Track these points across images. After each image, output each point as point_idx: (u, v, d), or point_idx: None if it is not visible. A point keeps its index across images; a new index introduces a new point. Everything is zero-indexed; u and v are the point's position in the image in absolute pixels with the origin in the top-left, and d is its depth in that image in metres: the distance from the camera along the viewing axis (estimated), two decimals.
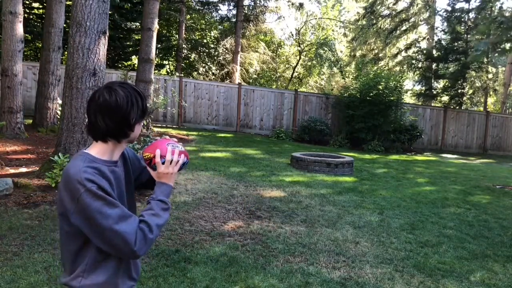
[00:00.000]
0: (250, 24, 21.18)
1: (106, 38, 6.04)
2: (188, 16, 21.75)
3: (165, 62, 22.45)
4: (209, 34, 23.51)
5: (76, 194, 1.35)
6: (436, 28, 22.92)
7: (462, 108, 20.03)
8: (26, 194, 5.07)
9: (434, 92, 21.57)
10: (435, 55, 20.37)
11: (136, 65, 14.97)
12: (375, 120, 14.35)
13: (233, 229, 4.86)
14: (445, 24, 20.77)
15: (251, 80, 23.20)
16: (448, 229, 5.50)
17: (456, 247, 4.82)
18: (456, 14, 19.52)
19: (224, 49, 21.16)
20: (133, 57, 20.24)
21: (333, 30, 26.94)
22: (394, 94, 14.57)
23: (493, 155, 17.04)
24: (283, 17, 27.64)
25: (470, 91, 21.40)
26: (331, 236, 4.90)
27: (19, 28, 8.64)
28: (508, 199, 7.61)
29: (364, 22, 23.25)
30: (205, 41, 22.57)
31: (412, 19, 22.07)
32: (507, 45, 7.82)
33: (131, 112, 1.49)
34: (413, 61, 21.57)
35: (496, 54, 16.17)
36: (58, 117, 9.32)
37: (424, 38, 23.16)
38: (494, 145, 17.86)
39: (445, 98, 21.32)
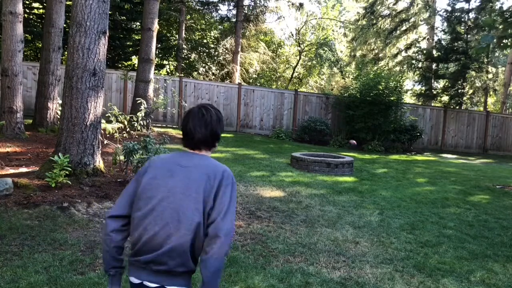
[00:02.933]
0: (250, 24, 21.15)
1: (106, 38, 6.04)
2: (188, 16, 21.74)
3: (165, 62, 22.44)
4: (209, 34, 23.50)
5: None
6: (436, 28, 22.91)
7: (462, 108, 20.02)
8: (26, 194, 5.06)
9: (434, 92, 21.56)
10: (435, 55, 20.36)
11: (136, 65, 14.97)
12: (375, 120, 14.35)
13: None
14: (445, 24, 20.75)
15: (251, 80, 23.20)
16: (448, 229, 5.50)
17: (456, 247, 4.82)
18: (456, 14, 19.50)
19: (224, 49, 21.15)
20: (133, 57, 20.23)
21: (333, 30, 26.94)
22: (394, 94, 14.57)
23: (493, 155, 17.03)
24: (283, 17, 27.58)
25: (470, 91, 21.37)
26: (331, 236, 4.90)
27: (19, 28, 8.64)
28: (508, 199, 7.61)
29: (364, 22, 23.25)
30: (205, 41, 22.56)
31: (412, 19, 22.06)
32: (509, 40, 7.77)
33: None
34: (413, 61, 21.55)
35: (497, 50, 16.10)
36: (58, 117, 9.31)
37: (424, 38, 23.14)
38: (494, 145, 17.86)
39: (445, 98, 21.30)
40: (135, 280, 1.76)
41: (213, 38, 23.22)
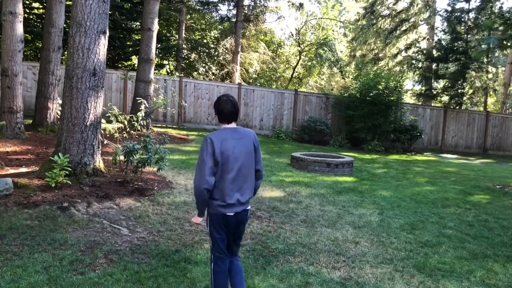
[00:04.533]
0: (250, 24, 21.17)
1: (106, 38, 6.04)
2: (188, 16, 21.75)
3: (165, 62, 22.44)
4: (209, 34, 23.50)
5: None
6: (436, 28, 22.92)
7: (462, 108, 20.03)
8: (26, 194, 5.06)
9: (434, 92, 21.57)
10: (435, 55, 20.36)
11: (136, 65, 14.97)
12: (375, 120, 14.35)
13: None
14: (445, 24, 20.76)
15: (251, 80, 23.20)
16: (448, 229, 5.51)
17: (456, 247, 4.82)
18: (456, 14, 19.51)
19: (224, 49, 21.15)
20: (133, 57, 20.23)
21: (333, 30, 26.94)
22: (394, 94, 14.58)
23: (493, 155, 17.04)
24: (283, 17, 27.65)
25: (470, 91, 21.38)
26: (331, 236, 4.90)
27: (19, 28, 8.64)
28: (508, 199, 7.61)
29: (364, 22, 23.26)
30: (205, 41, 22.55)
31: (412, 19, 22.07)
32: (509, 42, 7.81)
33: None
34: (413, 61, 21.56)
35: (497, 50, 16.10)
36: (58, 117, 9.31)
37: (424, 38, 23.15)
38: (494, 145, 17.86)
39: (445, 98, 21.31)
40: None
41: (213, 38, 23.22)
